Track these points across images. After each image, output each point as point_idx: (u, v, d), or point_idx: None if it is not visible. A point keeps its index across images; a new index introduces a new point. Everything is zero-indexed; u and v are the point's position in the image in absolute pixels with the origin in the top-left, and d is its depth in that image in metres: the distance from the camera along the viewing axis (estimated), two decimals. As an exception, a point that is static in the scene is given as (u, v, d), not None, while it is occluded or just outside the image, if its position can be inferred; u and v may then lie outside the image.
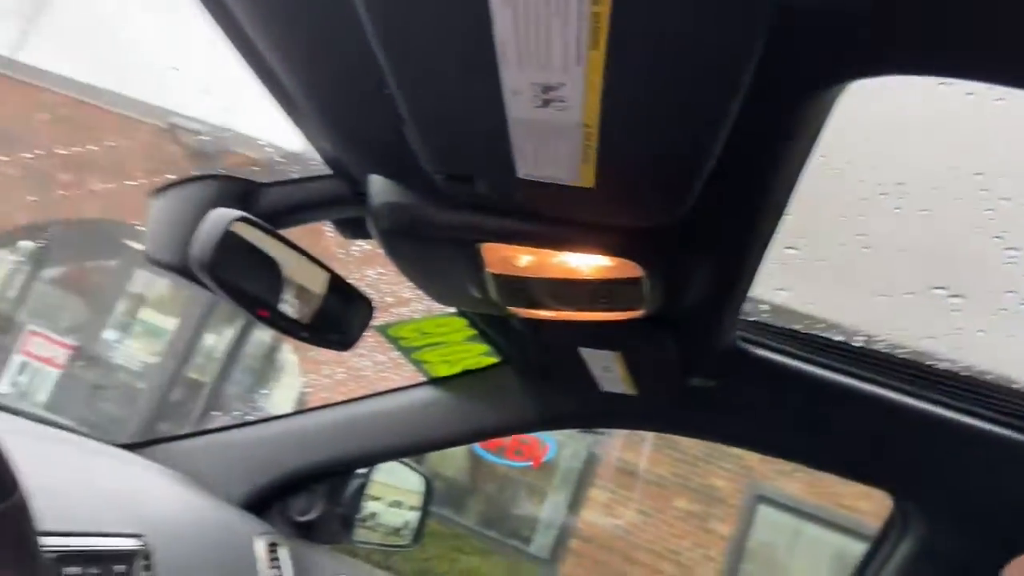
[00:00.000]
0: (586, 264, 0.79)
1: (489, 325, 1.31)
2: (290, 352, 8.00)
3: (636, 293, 0.82)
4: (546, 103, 0.54)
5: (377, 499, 2.12)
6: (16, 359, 7.13)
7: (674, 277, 0.81)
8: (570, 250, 0.77)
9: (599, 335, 1.07)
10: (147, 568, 1.05)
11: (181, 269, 0.83)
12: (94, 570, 0.94)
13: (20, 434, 1.28)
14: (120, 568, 0.98)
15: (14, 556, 0.58)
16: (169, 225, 0.87)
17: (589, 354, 1.18)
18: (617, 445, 7.15)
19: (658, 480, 7.10)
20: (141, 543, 1.04)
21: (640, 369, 1.22)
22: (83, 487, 1.13)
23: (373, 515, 2.33)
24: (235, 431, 1.75)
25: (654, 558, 6.98)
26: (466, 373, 1.58)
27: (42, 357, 7.02)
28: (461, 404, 1.65)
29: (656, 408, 1.51)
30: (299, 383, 7.86)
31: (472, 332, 1.38)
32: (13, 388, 6.79)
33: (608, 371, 1.24)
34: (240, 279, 0.83)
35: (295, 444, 1.74)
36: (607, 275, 0.80)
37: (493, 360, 1.52)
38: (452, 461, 7.82)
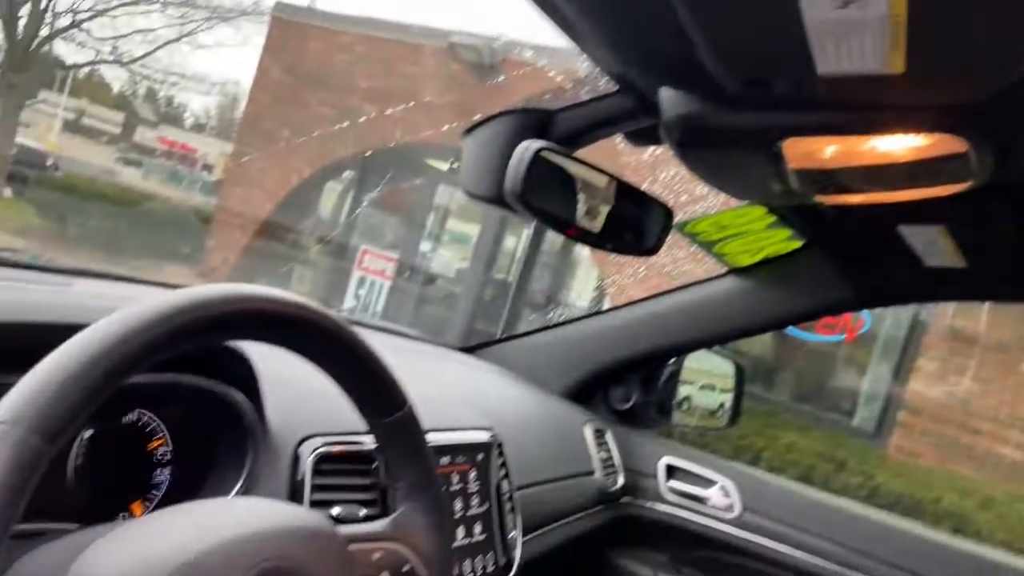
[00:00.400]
0: (901, 146, 0.75)
1: (792, 211, 1.28)
2: (586, 249, 8.30)
3: (962, 167, 0.76)
4: (847, 3, 0.51)
5: (690, 384, 2.19)
6: (355, 275, 8.11)
7: (1004, 146, 0.73)
8: (883, 134, 0.74)
9: (920, 211, 1.00)
10: (500, 455, 1.21)
11: (496, 200, 0.92)
12: (461, 459, 1.11)
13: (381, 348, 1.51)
14: (480, 456, 1.15)
15: (415, 454, 0.71)
16: (481, 160, 0.95)
17: (909, 231, 1.11)
18: (947, 311, 6.55)
19: (998, 345, 6.43)
20: (492, 435, 1.20)
21: (969, 241, 1.13)
22: (439, 389, 1.31)
23: (688, 399, 2.41)
24: (553, 330, 1.90)
25: (998, 427, 6.41)
26: (769, 260, 1.56)
27: (375, 271, 7.93)
28: (767, 291, 1.64)
29: (987, 278, 1.39)
30: (596, 276, 8.14)
31: (772, 219, 1.35)
32: (356, 301, 7.77)
33: (932, 245, 1.17)
34: (548, 203, 0.90)
35: (608, 339, 1.85)
36: (927, 154, 0.75)
37: (797, 244, 1.48)
38: (756, 339, 7.71)
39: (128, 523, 0.57)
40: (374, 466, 0.93)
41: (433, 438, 1.05)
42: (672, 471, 1.78)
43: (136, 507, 0.78)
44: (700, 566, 1.74)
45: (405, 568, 0.68)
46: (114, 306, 0.54)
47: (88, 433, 0.75)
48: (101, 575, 0.49)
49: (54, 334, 0.51)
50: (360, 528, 0.68)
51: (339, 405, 0.70)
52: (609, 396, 1.91)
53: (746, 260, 1.59)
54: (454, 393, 1.32)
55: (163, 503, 0.79)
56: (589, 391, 1.89)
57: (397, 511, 0.71)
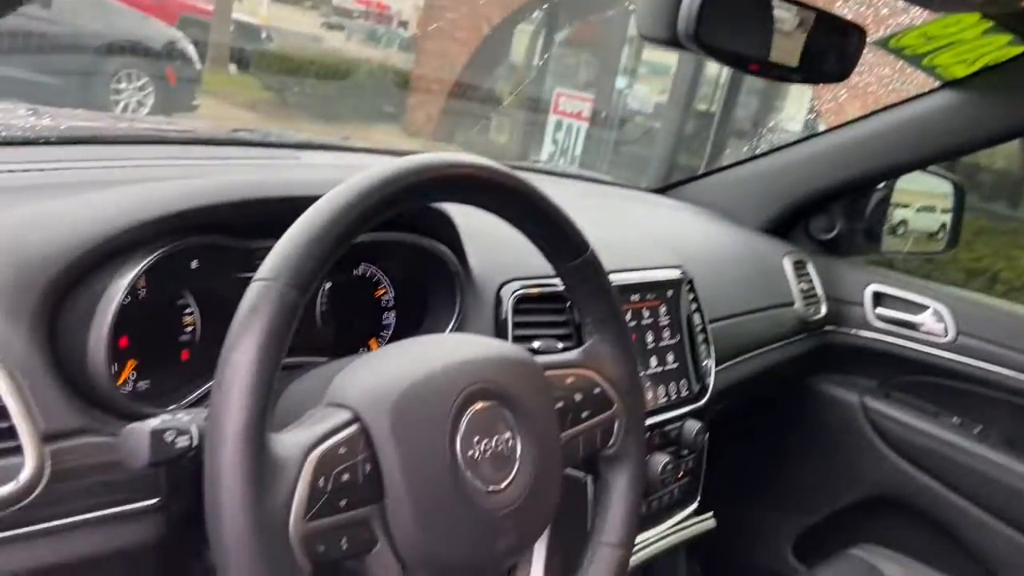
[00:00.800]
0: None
1: (1012, 15, 1.16)
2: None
3: None
4: None
5: (905, 207, 2.08)
6: (551, 120, 8.11)
7: None
8: None
9: None
10: (691, 291, 1.26)
11: (671, 42, 0.92)
12: (651, 295, 1.17)
13: (567, 196, 1.58)
14: (669, 293, 1.21)
15: (599, 293, 0.79)
16: (656, 2, 0.95)
17: None
18: None
19: None
20: (681, 272, 1.25)
21: None
22: (631, 231, 1.37)
23: (903, 223, 2.30)
24: (750, 164, 1.87)
25: None
26: (988, 69, 1.42)
27: (570, 113, 7.88)
28: (988, 102, 1.50)
29: None
30: (809, 97, 7.58)
31: (988, 24, 1.22)
32: (554, 146, 7.81)
33: None
34: (726, 41, 0.89)
35: (810, 168, 1.79)
36: None
37: (1020, 49, 1.33)
38: (1000, 151, 6.93)
39: (367, 354, 0.70)
40: (567, 305, 1.02)
41: (623, 277, 1.13)
42: (879, 298, 1.74)
43: (372, 343, 0.93)
44: (909, 390, 1.73)
45: (596, 391, 0.77)
46: (338, 177, 0.64)
47: (328, 285, 0.89)
48: (349, 393, 0.62)
49: (297, 204, 0.62)
50: (555, 358, 0.78)
51: (534, 253, 0.78)
52: (811, 226, 1.87)
53: (962, 71, 1.46)
54: (645, 234, 1.37)
55: (392, 340, 0.93)
56: (790, 223, 1.87)
57: (587, 343, 0.80)
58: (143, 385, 0.75)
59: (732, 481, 1.83)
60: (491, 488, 0.65)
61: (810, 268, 1.77)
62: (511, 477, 0.66)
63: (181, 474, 0.66)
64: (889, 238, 1.90)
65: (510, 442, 0.67)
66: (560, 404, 0.73)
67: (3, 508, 0.58)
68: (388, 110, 9.12)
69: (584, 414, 0.76)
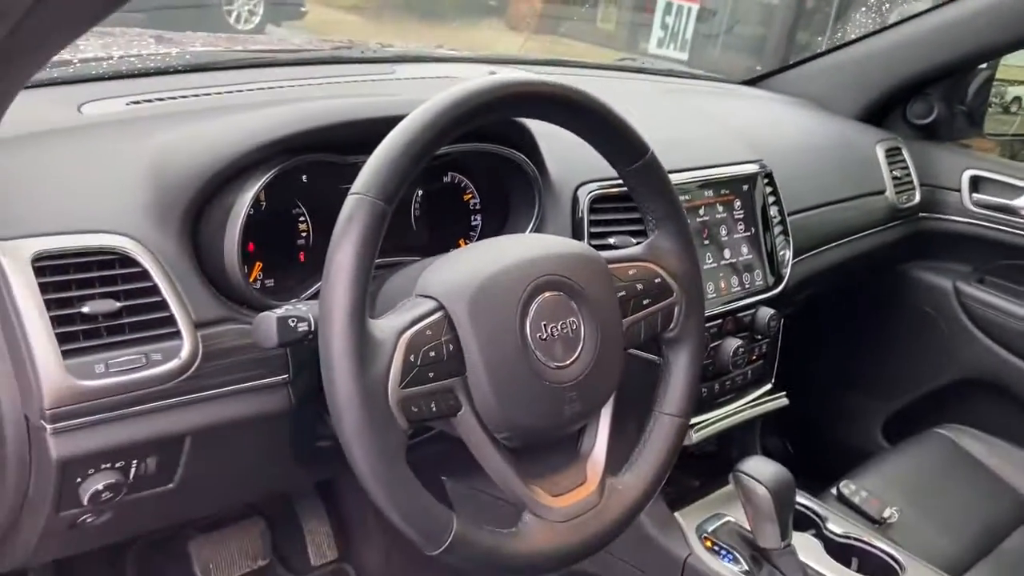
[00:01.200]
0: None
1: None
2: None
3: None
4: None
5: (1017, 83, 2.00)
6: (660, 3, 7.78)
7: None
8: None
9: None
10: (769, 184, 1.30)
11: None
12: (725, 191, 1.23)
13: (650, 94, 1.62)
14: (745, 187, 1.26)
15: (660, 192, 0.86)
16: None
17: None
18: None
19: None
20: (759, 166, 1.29)
21: None
22: (711, 127, 1.41)
23: (1017, 100, 2.22)
24: (846, 49, 1.83)
25: None
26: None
27: (681, -6, 7.53)
28: None
29: None
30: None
31: None
32: (663, 31, 7.54)
33: None
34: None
35: (908, 51, 1.75)
36: None
37: None
38: None
39: (450, 253, 0.81)
40: (640, 203, 1.09)
41: (697, 175, 1.19)
42: (977, 183, 1.72)
43: (461, 243, 1.05)
44: (1003, 275, 1.72)
45: (656, 280, 0.86)
46: (424, 95, 0.73)
47: (420, 193, 1.01)
48: (434, 286, 0.74)
49: (387, 123, 0.72)
50: (618, 253, 0.86)
51: None
52: (908, 112, 1.83)
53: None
54: (726, 129, 1.40)
55: (479, 240, 1.05)
56: (886, 109, 1.84)
57: (649, 239, 0.88)
58: (269, 282, 0.89)
59: (822, 365, 1.89)
60: (557, 365, 0.76)
61: (905, 154, 1.75)
62: (576, 355, 0.77)
63: (303, 354, 0.81)
64: (993, 120, 1.84)
65: (575, 326, 0.77)
66: (622, 293, 0.83)
67: (170, 380, 0.74)
68: (491, 3, 9.00)
69: (645, 301, 0.85)
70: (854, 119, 1.79)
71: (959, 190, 1.73)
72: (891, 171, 1.69)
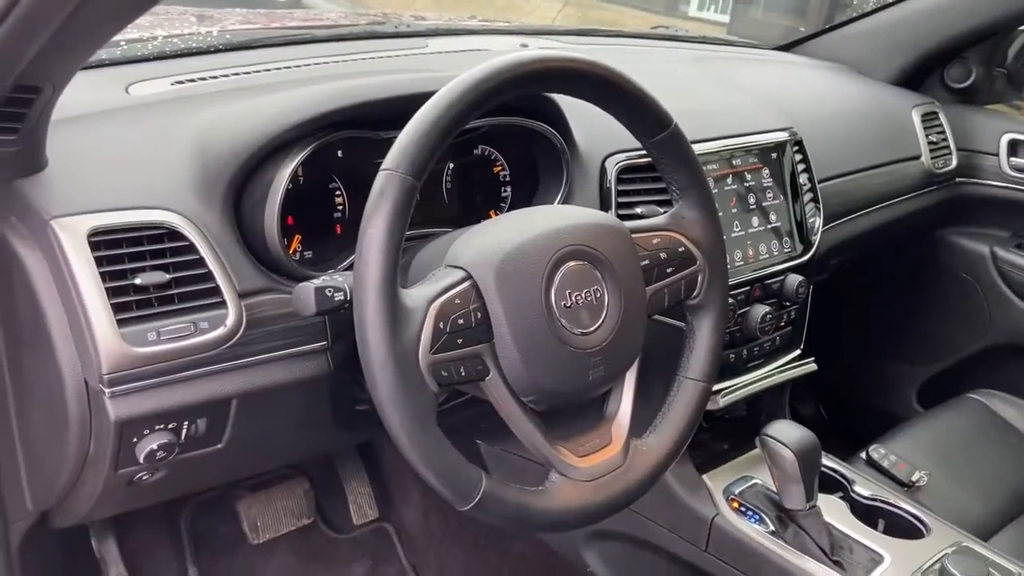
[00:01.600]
0: None
1: None
2: None
3: None
4: None
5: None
6: (700, -36, 7.62)
7: None
8: None
9: None
10: (799, 151, 1.31)
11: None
12: (753, 159, 1.24)
13: (682, 63, 1.62)
14: (774, 155, 1.27)
15: (683, 163, 0.88)
16: None
17: None
18: None
19: None
20: (789, 133, 1.30)
21: None
22: (742, 95, 1.41)
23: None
24: (882, 13, 1.81)
25: None
26: None
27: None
28: None
29: None
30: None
31: None
32: (705, -8, 7.38)
33: None
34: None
35: (946, 14, 1.72)
36: None
37: None
38: None
39: (478, 225, 0.84)
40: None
41: (725, 144, 1.21)
42: (1016, 147, 1.69)
43: (492, 214, 1.08)
44: None
45: (680, 249, 0.88)
46: (454, 71, 0.76)
47: (451, 166, 1.04)
48: (462, 256, 0.77)
49: (417, 100, 0.75)
50: (642, 223, 0.89)
51: None
52: (945, 75, 1.81)
53: None
54: (756, 96, 1.40)
55: (510, 211, 1.07)
56: (924, 73, 1.81)
57: (673, 208, 0.90)
58: (307, 254, 0.93)
59: (857, 331, 1.89)
60: (582, 331, 0.79)
61: (942, 119, 1.73)
62: (600, 322, 0.80)
63: (340, 322, 0.85)
64: (1037, 81, 1.81)
65: (599, 294, 0.80)
66: (646, 262, 0.86)
67: (216, 347, 0.79)
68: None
69: (669, 270, 0.87)
70: (891, 83, 1.77)
71: (997, 154, 1.71)
72: (927, 136, 1.68)
